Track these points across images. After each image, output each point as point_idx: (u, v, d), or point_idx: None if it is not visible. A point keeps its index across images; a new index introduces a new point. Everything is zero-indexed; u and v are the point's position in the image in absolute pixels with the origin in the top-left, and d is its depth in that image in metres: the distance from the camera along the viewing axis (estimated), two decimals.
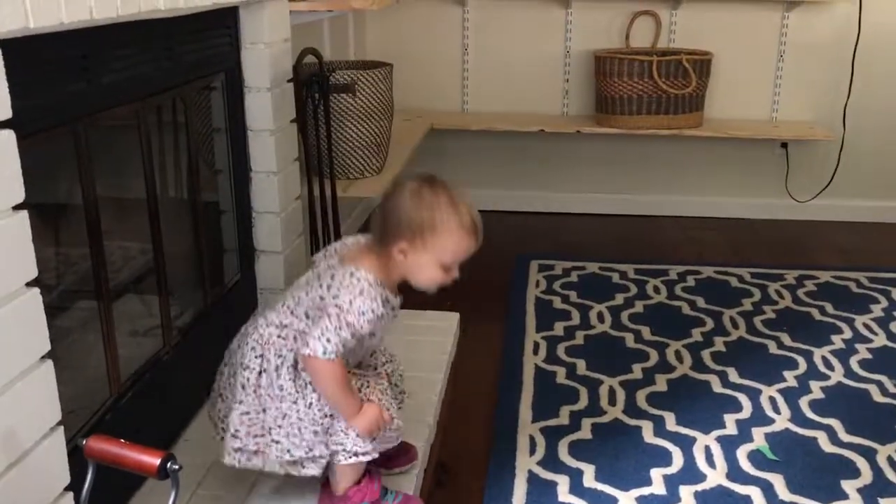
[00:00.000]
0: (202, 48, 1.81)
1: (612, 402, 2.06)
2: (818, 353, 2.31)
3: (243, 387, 1.39)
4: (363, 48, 3.37)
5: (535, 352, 2.31)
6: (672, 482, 1.74)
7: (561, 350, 2.32)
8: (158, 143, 1.77)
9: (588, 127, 3.33)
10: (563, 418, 1.98)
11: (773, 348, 2.35)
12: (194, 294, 1.93)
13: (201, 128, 1.97)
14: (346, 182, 2.62)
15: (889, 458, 1.83)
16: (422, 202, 1.36)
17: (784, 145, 3.45)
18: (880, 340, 2.39)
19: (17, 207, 1.05)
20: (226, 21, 1.94)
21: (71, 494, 1.18)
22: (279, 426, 1.38)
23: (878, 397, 2.09)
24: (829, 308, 2.61)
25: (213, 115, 1.99)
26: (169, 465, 1.02)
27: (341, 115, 2.58)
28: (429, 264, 1.38)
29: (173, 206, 1.85)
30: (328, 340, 1.31)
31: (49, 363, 1.13)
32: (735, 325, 2.49)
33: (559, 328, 2.46)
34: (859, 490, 1.72)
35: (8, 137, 1.02)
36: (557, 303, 2.65)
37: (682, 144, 3.49)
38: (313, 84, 2.09)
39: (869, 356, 2.30)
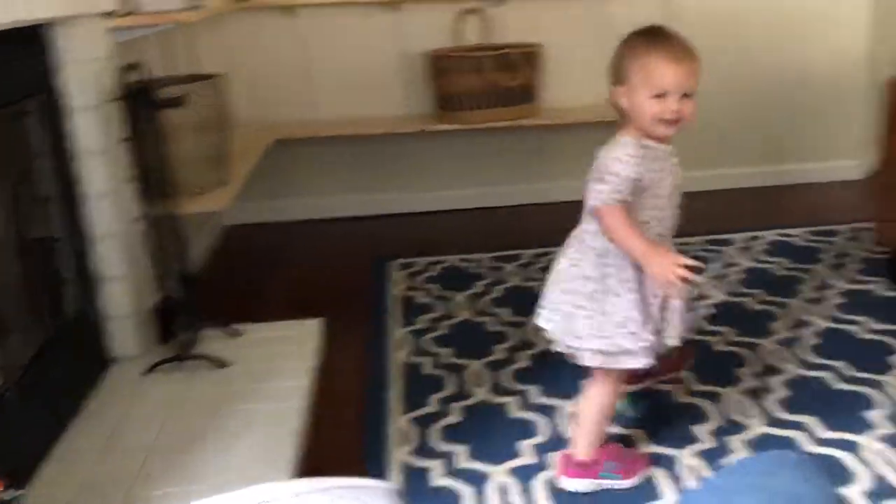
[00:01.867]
0: (6, 72, 1.72)
1: (479, 383, 2.10)
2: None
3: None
4: (197, 62, 3.29)
5: (402, 347, 2.33)
6: (541, 451, 1.80)
7: (426, 342, 2.35)
8: None
9: (432, 125, 3.39)
10: (433, 406, 2.00)
11: (719, 346, 2.36)
12: (32, 329, 1.83)
13: (19, 154, 1.87)
14: (190, 197, 2.55)
15: (736, 401, 1.95)
16: (625, 46, 1.56)
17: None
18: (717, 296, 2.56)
19: None
20: (33, 41, 1.86)
21: None
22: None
23: (719, 346, 2.23)
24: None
25: (33, 140, 1.90)
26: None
27: (174, 130, 2.51)
28: (645, 100, 1.50)
29: None
30: (599, 191, 1.52)
31: None
32: None
33: (423, 321, 2.49)
34: (710, 432, 1.83)
35: None
36: (420, 297, 2.67)
37: (526, 135, 3.61)
38: (140, 99, 2.03)
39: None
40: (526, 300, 2.56)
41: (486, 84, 3.26)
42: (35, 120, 1.86)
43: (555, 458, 1.74)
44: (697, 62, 1.52)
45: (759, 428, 1.84)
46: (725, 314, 2.42)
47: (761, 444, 1.78)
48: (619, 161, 1.51)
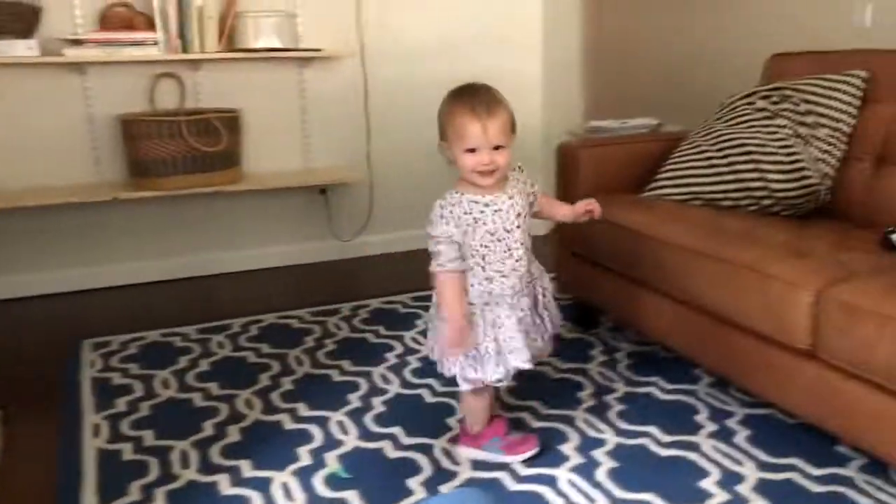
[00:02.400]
0: None
1: (186, 464, 1.97)
2: (376, 372, 2.48)
3: None
4: None
5: (97, 434, 2.13)
6: None
7: (125, 426, 2.17)
8: None
9: (126, 192, 3.19)
10: (134, 494, 1.84)
11: (336, 376, 2.46)
12: None
13: None
14: None
15: (443, 449, 2.02)
16: (443, 103, 1.76)
17: (323, 191, 3.68)
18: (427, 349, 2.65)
19: None
20: None
21: None
22: None
23: (429, 398, 2.30)
24: (382, 330, 2.83)
25: None
26: None
27: None
28: (459, 153, 1.71)
29: None
30: (436, 256, 1.76)
31: None
32: (300, 363, 2.56)
33: (121, 404, 2.30)
34: (423, 483, 1.87)
35: None
36: (117, 378, 2.47)
37: (226, 201, 3.53)
38: None
39: (419, 365, 2.53)
40: (237, 371, 2.50)
41: (184, 149, 3.15)
42: None
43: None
44: (503, 116, 1.70)
45: (468, 473, 1.91)
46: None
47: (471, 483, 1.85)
48: (435, 220, 1.75)
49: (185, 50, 3.21)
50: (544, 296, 1.90)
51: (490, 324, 1.80)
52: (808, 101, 2.40)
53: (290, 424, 2.16)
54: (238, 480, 1.90)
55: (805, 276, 1.80)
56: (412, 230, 3.87)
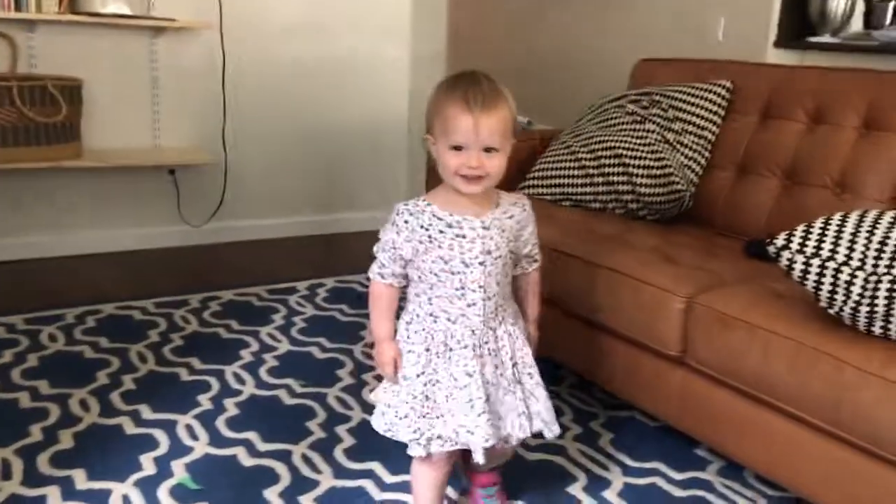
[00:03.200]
0: None
1: (7, 475, 1.74)
2: (229, 371, 2.31)
3: None
4: None
5: None
6: None
7: None
8: None
9: None
10: None
11: (184, 375, 2.27)
12: None
13: None
14: None
15: (303, 456, 1.89)
16: (435, 89, 1.45)
17: (172, 172, 3.43)
18: (284, 346, 2.50)
19: None
20: None
21: None
22: None
23: (287, 400, 2.17)
24: (235, 325, 2.65)
25: None
26: None
27: None
28: (443, 151, 1.41)
29: None
30: (376, 260, 1.49)
31: None
32: (143, 360, 2.35)
33: None
34: (280, 494, 1.74)
35: None
36: None
37: (64, 179, 3.22)
38: None
39: (276, 363, 2.38)
40: (71, 367, 2.26)
41: (16, 118, 2.83)
42: None
43: None
44: (501, 113, 1.38)
45: (329, 482, 1.80)
46: (294, 363, 2.37)
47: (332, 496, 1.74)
48: (386, 230, 1.47)
49: (17, 8, 2.89)
50: (528, 377, 1.53)
51: (425, 375, 1.47)
52: (675, 108, 2.43)
53: (131, 429, 1.97)
54: (70, 493, 1.69)
55: (676, 283, 1.80)
56: (270, 218, 3.70)
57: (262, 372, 2.32)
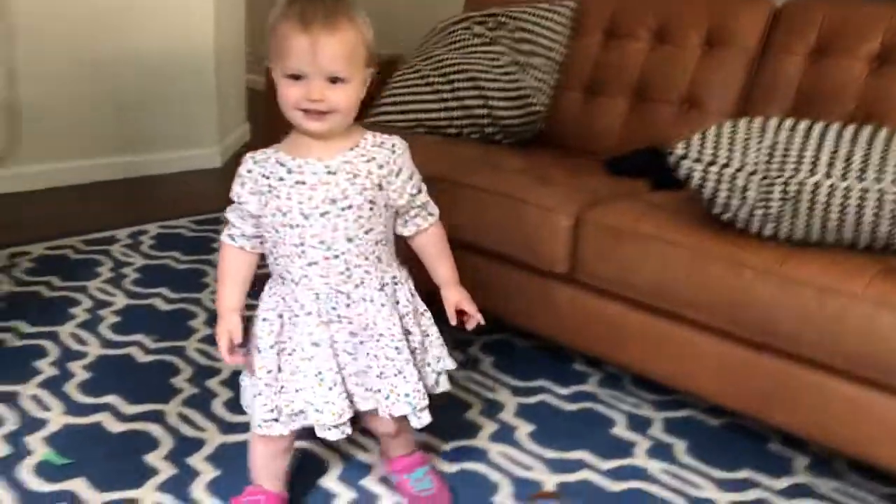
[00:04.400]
0: None
1: None
2: (65, 331, 2.04)
3: None
4: None
5: None
6: None
7: None
8: None
9: None
10: None
11: (13, 341, 1.98)
12: None
13: None
14: None
15: (180, 414, 1.72)
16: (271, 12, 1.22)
17: None
18: (121, 300, 2.25)
19: None
20: None
21: None
22: None
23: (142, 358, 1.95)
24: (57, 281, 2.34)
25: None
26: None
27: None
28: (280, 80, 1.20)
29: None
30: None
31: None
32: None
33: None
34: (165, 458, 1.57)
35: None
36: None
37: None
38: None
39: (118, 319, 2.14)
40: None
41: None
42: None
43: None
44: (348, 36, 1.17)
45: (218, 438, 1.64)
46: (138, 318, 2.13)
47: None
48: (236, 179, 1.28)
49: None
50: (394, 351, 1.30)
51: (278, 345, 1.30)
52: (522, 29, 2.42)
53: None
54: None
55: (560, 202, 1.80)
56: (68, 161, 3.29)
57: (104, 329, 2.07)
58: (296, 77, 1.18)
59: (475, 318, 1.41)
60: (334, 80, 1.18)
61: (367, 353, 1.29)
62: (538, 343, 2.10)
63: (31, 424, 1.64)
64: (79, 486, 1.47)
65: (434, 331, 1.41)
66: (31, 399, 1.73)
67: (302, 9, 1.16)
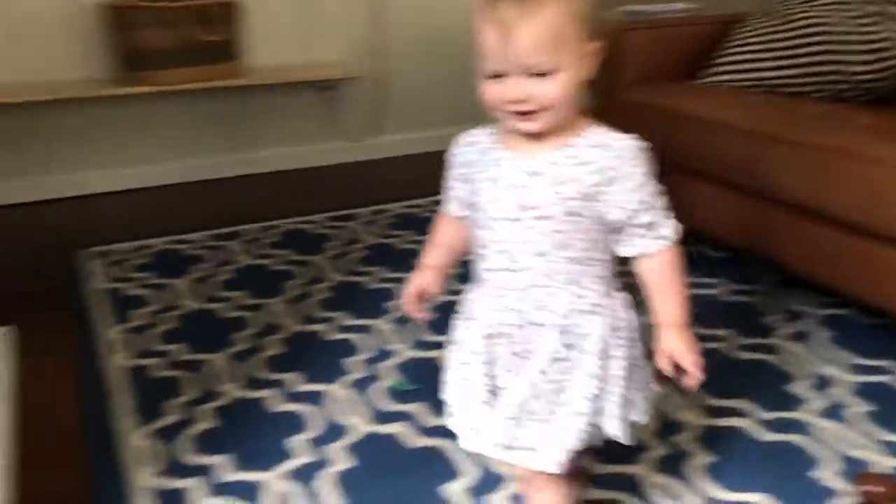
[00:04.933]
0: None
1: (226, 379, 1.78)
2: None
3: None
4: None
5: (119, 350, 1.92)
6: (317, 445, 1.55)
7: (148, 340, 1.97)
8: None
9: (117, 88, 2.91)
10: (174, 414, 1.66)
11: (372, 283, 2.27)
12: None
13: None
14: None
15: None
16: None
17: (329, 87, 3.41)
18: None
19: None
20: None
21: None
22: None
23: None
24: (412, 235, 2.62)
25: None
26: None
27: None
28: (483, 79, 1.02)
29: None
30: None
31: None
32: (330, 270, 2.36)
33: (140, 316, 2.09)
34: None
35: None
36: (130, 289, 2.26)
37: (226, 97, 3.25)
38: None
39: (462, 270, 2.35)
40: (261, 279, 2.29)
41: (179, 40, 2.86)
42: None
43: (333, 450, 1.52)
44: (551, 16, 0.96)
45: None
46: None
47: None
48: (451, 152, 1.15)
49: None
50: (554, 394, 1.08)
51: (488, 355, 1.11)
52: None
53: (332, 335, 1.98)
54: (288, 395, 1.72)
55: None
56: (431, 130, 3.62)
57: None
58: (496, 76, 1.00)
59: (694, 377, 1.10)
60: (536, 74, 0.98)
61: (524, 380, 1.08)
62: (885, 321, 1.92)
63: (383, 354, 1.88)
64: (418, 410, 1.65)
65: (628, 378, 1.11)
66: (382, 333, 1.98)
67: (503, 4, 0.97)
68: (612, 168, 1.02)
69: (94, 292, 2.24)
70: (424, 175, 3.30)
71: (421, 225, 2.71)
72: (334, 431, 1.59)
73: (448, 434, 1.32)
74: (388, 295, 2.19)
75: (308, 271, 2.36)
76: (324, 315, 2.08)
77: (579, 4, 0.99)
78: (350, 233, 2.66)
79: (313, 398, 1.70)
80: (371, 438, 1.57)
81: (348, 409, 1.66)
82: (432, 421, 1.61)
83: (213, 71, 2.97)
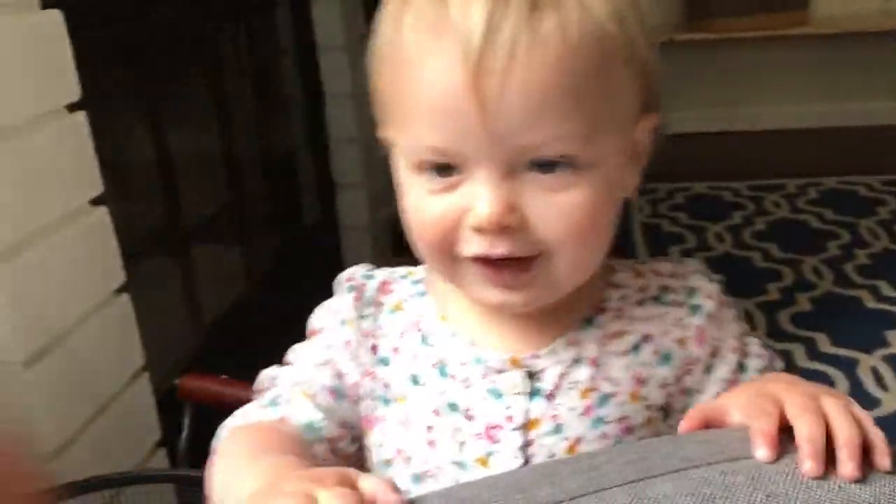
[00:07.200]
0: None
1: (752, 325, 1.80)
2: None
3: None
4: None
5: None
6: None
7: None
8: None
9: (680, 34, 3.01)
10: None
11: None
12: (272, 236, 1.74)
13: (265, 49, 1.76)
14: None
15: None
16: None
17: None
18: None
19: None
20: None
21: (163, 448, 1.00)
22: None
23: None
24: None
25: (280, 34, 1.79)
26: None
27: None
28: (405, 176, 0.52)
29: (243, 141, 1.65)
30: None
31: (126, 298, 0.94)
32: (876, 236, 2.19)
33: (674, 253, 2.21)
34: None
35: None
36: (667, 226, 2.39)
37: (787, 47, 3.13)
38: None
39: None
40: (799, 235, 2.23)
41: None
42: (285, 9, 1.74)
43: None
44: (581, 46, 0.47)
45: None
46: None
47: None
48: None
49: None
50: None
51: None
52: None
53: (871, 303, 1.86)
54: (814, 354, 1.68)
55: None
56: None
57: None
58: (442, 170, 0.49)
59: None
60: (546, 164, 0.48)
61: None
62: None
63: None
64: None
65: None
66: None
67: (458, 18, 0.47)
68: (698, 341, 0.56)
69: (634, 225, 2.42)
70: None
71: None
72: (862, 401, 1.51)
73: None
74: None
75: (850, 233, 2.22)
76: (862, 281, 1.95)
77: (634, 31, 0.51)
78: None
79: (843, 363, 1.63)
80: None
81: (877, 381, 1.56)
82: None
83: (777, 18, 2.90)
